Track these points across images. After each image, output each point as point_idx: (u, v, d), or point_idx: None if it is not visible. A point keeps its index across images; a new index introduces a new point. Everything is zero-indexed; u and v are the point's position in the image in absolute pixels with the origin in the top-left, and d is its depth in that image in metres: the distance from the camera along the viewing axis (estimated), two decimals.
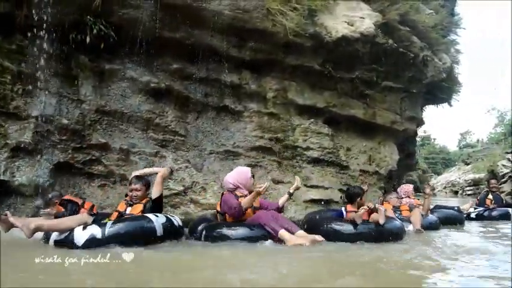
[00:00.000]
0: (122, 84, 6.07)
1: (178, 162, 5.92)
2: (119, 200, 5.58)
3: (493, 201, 9.26)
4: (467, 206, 9.22)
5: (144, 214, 4.50)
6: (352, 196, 5.38)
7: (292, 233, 4.53)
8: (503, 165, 28.19)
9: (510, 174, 27.12)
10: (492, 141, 43.78)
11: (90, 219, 4.33)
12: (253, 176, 5.32)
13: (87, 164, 5.69)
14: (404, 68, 7.80)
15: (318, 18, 6.72)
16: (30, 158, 5.26)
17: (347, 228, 4.93)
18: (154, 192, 4.73)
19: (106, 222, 4.25)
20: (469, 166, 40.68)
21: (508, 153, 28.72)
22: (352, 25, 6.88)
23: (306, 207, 6.46)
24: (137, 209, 4.62)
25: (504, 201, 9.72)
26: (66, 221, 4.23)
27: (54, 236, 4.18)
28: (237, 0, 6.16)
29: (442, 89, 9.14)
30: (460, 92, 10.40)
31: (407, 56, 7.60)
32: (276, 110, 6.89)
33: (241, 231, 4.61)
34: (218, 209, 5.14)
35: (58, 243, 4.13)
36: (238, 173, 5.24)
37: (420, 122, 9.41)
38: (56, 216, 4.49)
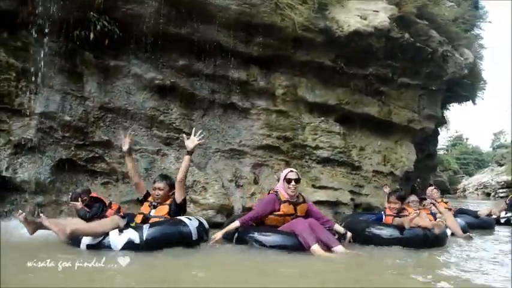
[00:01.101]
0: (127, 81, 6.14)
1: (180, 160, 5.89)
2: (120, 198, 5.65)
3: None
4: (496, 209, 8.81)
5: (178, 217, 4.51)
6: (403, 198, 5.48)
7: (330, 247, 4.27)
8: None
9: None
10: None
11: (123, 222, 4.30)
12: (295, 180, 4.77)
13: (90, 162, 5.79)
14: (422, 64, 7.61)
15: (329, 12, 6.64)
16: (32, 155, 5.38)
17: (394, 233, 4.95)
18: (178, 196, 4.62)
19: (142, 226, 4.22)
20: (503, 167, 39.58)
21: None
22: (365, 19, 6.77)
23: None
24: (163, 211, 4.57)
25: None
26: (101, 226, 4.20)
27: (87, 240, 4.07)
28: None
29: (464, 86, 8.89)
30: (484, 89, 10.07)
31: (425, 51, 7.42)
32: (285, 108, 6.83)
33: (273, 238, 4.45)
34: None
35: (92, 248, 4.04)
36: (280, 175, 4.96)
37: (440, 121, 9.19)
38: (78, 214, 4.58)
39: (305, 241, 4.24)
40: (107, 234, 4.08)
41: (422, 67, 7.70)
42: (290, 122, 6.88)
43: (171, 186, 4.73)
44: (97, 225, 4.23)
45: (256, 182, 6.34)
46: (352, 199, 6.50)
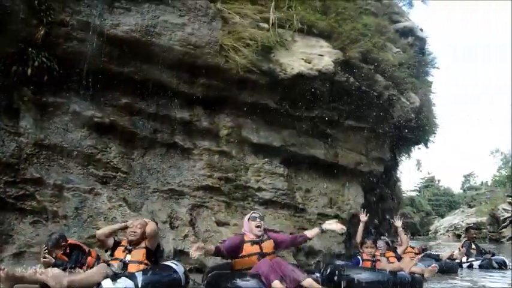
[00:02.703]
0: (65, 118, 6.22)
1: (113, 200, 5.96)
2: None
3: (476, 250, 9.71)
4: (458, 253, 9.41)
5: (166, 263, 4.59)
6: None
7: (299, 281, 4.33)
8: (504, 209, 28.10)
9: (511, 219, 26.89)
10: (496, 184, 43.61)
11: (110, 270, 4.27)
12: (260, 217, 4.96)
13: (20, 199, 5.75)
14: (368, 107, 7.93)
15: (273, 55, 6.92)
16: None
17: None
18: (152, 244, 4.65)
19: (134, 274, 4.18)
20: (473, 209, 40.48)
21: (509, 196, 28.57)
22: (309, 62, 7.08)
23: None
24: (139, 255, 4.53)
25: (482, 250, 9.97)
26: (94, 274, 4.14)
27: None
28: (188, 36, 6.32)
29: (412, 130, 9.20)
30: (435, 133, 10.48)
31: (371, 95, 7.76)
32: (228, 148, 6.99)
33: (244, 282, 4.47)
34: None
35: None
36: (244, 219, 5.13)
37: (391, 164, 9.40)
38: (55, 265, 4.27)
39: (267, 280, 4.33)
40: (98, 284, 4.01)
41: (369, 110, 8.02)
42: (233, 163, 7.02)
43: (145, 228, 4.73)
44: (90, 274, 4.14)
45: (192, 223, 6.37)
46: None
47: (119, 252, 4.59)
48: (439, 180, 63.46)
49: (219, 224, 6.59)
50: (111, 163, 6.30)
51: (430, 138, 10.76)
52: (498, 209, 28.69)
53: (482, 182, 55.46)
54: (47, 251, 4.38)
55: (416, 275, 5.48)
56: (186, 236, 6.06)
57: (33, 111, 6.07)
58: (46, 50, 5.85)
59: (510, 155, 42.47)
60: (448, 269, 7.94)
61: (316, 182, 7.90)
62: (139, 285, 4.04)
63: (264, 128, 7.32)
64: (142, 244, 4.62)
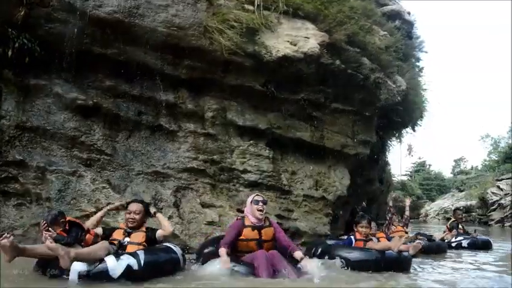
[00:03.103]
0: (47, 100, 6.22)
1: (97, 182, 5.99)
2: (31, 221, 5.60)
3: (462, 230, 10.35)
4: (449, 235, 9.97)
5: (165, 244, 4.63)
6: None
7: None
8: (493, 193, 28.45)
9: (500, 202, 27.27)
10: (486, 168, 44.17)
11: (111, 247, 4.28)
12: (263, 202, 5.01)
13: (3, 182, 5.79)
14: (354, 90, 7.96)
15: (258, 37, 6.90)
16: None
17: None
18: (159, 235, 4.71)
19: (136, 252, 4.20)
20: (463, 193, 41.07)
21: (498, 180, 28.94)
22: (295, 45, 7.06)
23: None
24: (139, 237, 4.58)
25: (467, 231, 10.62)
26: (100, 250, 4.10)
27: (80, 266, 3.86)
28: (172, 17, 6.28)
29: (399, 113, 9.25)
30: (423, 116, 10.56)
31: (357, 78, 7.78)
32: (213, 131, 7.00)
33: (236, 267, 4.55)
34: None
35: (86, 277, 3.85)
36: (247, 200, 5.21)
37: (378, 147, 9.47)
38: (56, 240, 4.14)
39: (257, 270, 4.39)
40: (101, 260, 3.98)
41: (355, 93, 8.05)
42: (218, 146, 7.04)
43: (146, 211, 4.82)
44: (95, 249, 4.09)
45: (176, 205, 6.41)
46: (279, 224, 6.60)
47: (118, 234, 4.63)
48: (430, 165, 64.23)
49: (204, 205, 6.64)
50: (95, 145, 6.31)
51: (417, 122, 10.84)
52: (487, 193, 29.08)
53: (472, 167, 56.29)
54: (46, 226, 4.29)
55: (404, 253, 5.61)
56: (170, 217, 6.10)
57: (15, 93, 6.06)
58: (27, 31, 5.81)
59: (500, 140, 42.88)
60: (440, 249, 8.38)
61: (302, 164, 7.95)
62: (142, 263, 4.08)
63: (250, 111, 7.33)
64: (142, 228, 4.69)
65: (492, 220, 27.44)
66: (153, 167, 6.59)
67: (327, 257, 5.54)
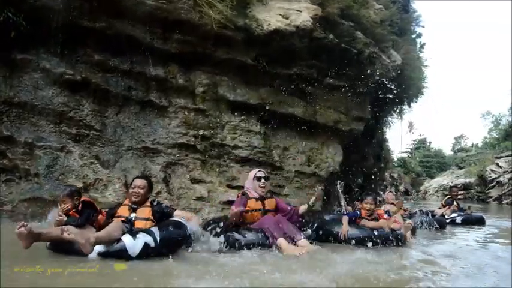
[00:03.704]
0: (35, 75, 6.20)
1: (85, 158, 6.01)
2: (20, 196, 5.63)
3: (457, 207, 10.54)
4: (448, 211, 10.23)
5: (176, 220, 4.62)
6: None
7: (295, 241, 4.82)
8: (492, 170, 28.51)
9: (498, 180, 27.35)
10: (486, 146, 44.15)
11: (124, 226, 4.31)
12: (265, 178, 5.47)
13: None
14: (348, 65, 7.88)
15: (250, 10, 6.82)
16: None
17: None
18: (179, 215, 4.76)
19: (150, 230, 4.26)
20: (462, 170, 41.16)
21: (497, 158, 28.96)
22: (287, 18, 6.97)
23: (222, 209, 6.52)
24: (145, 213, 4.59)
25: (462, 207, 10.75)
26: (115, 230, 4.14)
27: (97, 247, 3.92)
28: None
29: (393, 89, 9.19)
30: (421, 93, 10.48)
31: (350, 53, 7.69)
32: (204, 106, 6.98)
33: (247, 236, 4.91)
34: None
35: (106, 255, 3.94)
36: (248, 176, 5.60)
37: (371, 122, 9.42)
38: (67, 223, 4.13)
39: (272, 235, 4.79)
40: (118, 239, 4.03)
41: (349, 68, 7.97)
42: (209, 121, 7.02)
43: (150, 187, 4.85)
44: (111, 230, 4.12)
45: (166, 180, 6.43)
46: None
47: (123, 211, 4.63)
48: (430, 142, 64.25)
49: (194, 181, 6.67)
50: (84, 121, 6.30)
51: (414, 99, 10.76)
52: (486, 170, 29.14)
53: (472, 144, 56.27)
54: (63, 204, 4.33)
55: (397, 231, 5.88)
56: (159, 192, 6.14)
57: (1, 68, 6.02)
58: (11, 5, 5.74)
59: (500, 117, 42.72)
60: (441, 225, 8.72)
61: (295, 140, 7.93)
62: (158, 240, 4.14)
63: (241, 86, 7.28)
64: (147, 203, 4.71)
65: (490, 197, 27.58)
66: (143, 143, 6.60)
67: (321, 232, 5.75)
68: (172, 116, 6.82)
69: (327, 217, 6.59)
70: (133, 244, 4.00)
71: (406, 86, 9.63)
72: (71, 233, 3.80)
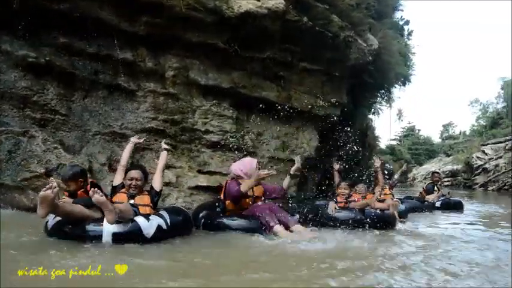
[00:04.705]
0: None
1: (48, 143, 5.90)
2: None
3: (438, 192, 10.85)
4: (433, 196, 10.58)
5: (178, 207, 4.91)
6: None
7: (288, 226, 4.98)
8: (478, 157, 28.81)
9: (484, 167, 27.64)
10: (474, 133, 44.59)
11: (132, 210, 4.34)
12: (259, 167, 5.75)
13: None
14: (323, 49, 7.84)
15: None
16: None
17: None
18: (159, 183, 4.94)
19: (160, 213, 4.44)
20: (450, 158, 41.56)
21: (483, 145, 29.25)
22: (258, 0, 6.80)
23: (190, 194, 6.50)
24: (144, 199, 4.65)
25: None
26: (128, 210, 4.16)
27: (112, 228, 3.89)
28: None
29: (371, 74, 9.15)
30: (403, 78, 10.47)
31: (325, 36, 7.62)
32: (174, 90, 6.91)
33: (238, 222, 5.12)
34: (221, 196, 5.60)
35: (120, 236, 3.91)
36: (245, 163, 5.72)
37: (349, 107, 9.37)
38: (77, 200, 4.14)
39: (267, 223, 4.91)
40: (132, 220, 4.06)
41: (324, 52, 7.92)
42: (179, 105, 6.96)
43: (146, 178, 4.88)
44: (127, 209, 4.14)
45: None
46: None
47: (122, 197, 4.61)
48: (419, 130, 64.83)
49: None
50: (49, 105, 6.21)
51: (393, 84, 10.75)
52: (472, 157, 29.43)
53: (460, 132, 56.89)
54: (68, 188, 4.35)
55: (386, 211, 6.31)
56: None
57: None
58: None
59: (488, 105, 43.12)
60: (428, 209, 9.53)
61: (269, 126, 7.90)
62: (168, 223, 4.29)
63: (213, 69, 7.20)
64: (144, 191, 4.77)
65: (476, 184, 27.90)
66: (111, 128, 6.53)
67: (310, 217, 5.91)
68: (141, 100, 6.73)
69: (317, 202, 7.06)
70: (147, 225, 4.08)
71: (384, 71, 9.61)
72: (102, 195, 3.79)
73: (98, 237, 3.86)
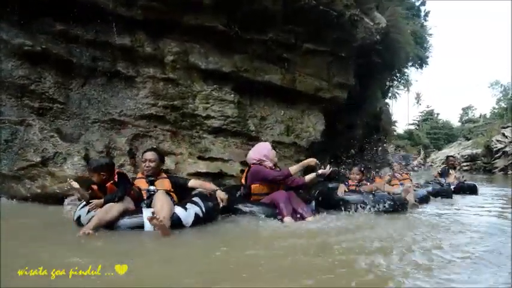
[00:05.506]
0: None
1: (45, 131, 5.90)
2: None
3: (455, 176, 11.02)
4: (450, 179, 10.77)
5: (204, 192, 4.91)
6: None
7: (304, 217, 5.15)
8: (498, 141, 28.27)
9: (504, 150, 27.08)
10: (494, 116, 43.67)
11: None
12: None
13: None
14: (328, 29, 7.63)
15: None
16: None
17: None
18: (193, 184, 5.00)
19: (194, 200, 4.56)
20: (470, 141, 40.87)
21: (503, 128, 28.59)
22: None
23: None
24: (165, 184, 4.71)
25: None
26: (169, 203, 4.30)
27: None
28: None
29: (379, 54, 8.91)
30: (412, 57, 10.19)
31: (330, 15, 7.39)
32: (174, 75, 6.84)
33: (258, 208, 5.29)
34: (243, 181, 5.79)
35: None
36: (261, 148, 5.96)
37: (357, 89, 9.12)
38: (107, 201, 4.14)
39: (281, 211, 5.11)
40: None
41: (328, 32, 7.72)
42: (179, 91, 6.88)
43: (161, 159, 4.95)
44: (168, 203, 4.27)
45: (132, 153, 6.32)
46: (242, 170, 6.52)
47: (141, 183, 4.66)
48: (438, 114, 63.89)
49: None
50: (47, 94, 6.20)
51: (404, 64, 10.48)
52: (492, 141, 28.82)
53: (480, 115, 55.77)
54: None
55: (397, 195, 6.49)
56: (121, 165, 6.06)
57: None
58: None
59: (509, 87, 42.11)
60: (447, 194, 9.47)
61: (273, 110, 7.77)
62: (204, 210, 4.46)
63: (214, 53, 7.08)
64: (163, 175, 4.84)
65: (496, 168, 27.36)
66: (110, 115, 6.49)
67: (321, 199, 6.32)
68: (140, 86, 6.67)
69: (330, 185, 7.22)
70: (186, 215, 4.24)
71: (394, 50, 9.36)
72: (163, 218, 3.87)
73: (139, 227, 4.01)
